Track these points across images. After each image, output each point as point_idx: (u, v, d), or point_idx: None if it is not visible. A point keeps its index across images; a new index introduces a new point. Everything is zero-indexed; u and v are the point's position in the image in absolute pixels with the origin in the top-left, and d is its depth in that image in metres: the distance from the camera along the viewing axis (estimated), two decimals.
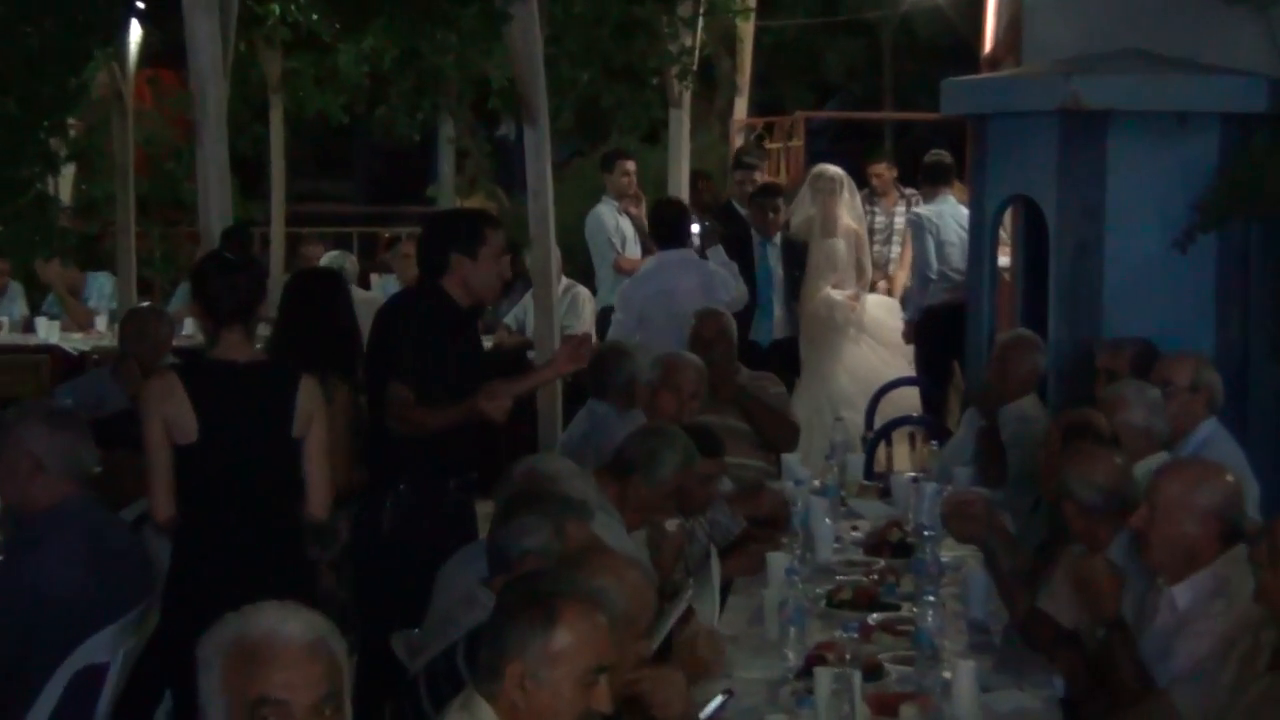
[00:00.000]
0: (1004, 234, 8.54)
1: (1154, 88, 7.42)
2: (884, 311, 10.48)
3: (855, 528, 6.29)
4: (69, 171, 11.19)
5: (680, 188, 11.71)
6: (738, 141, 13.56)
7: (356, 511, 5.68)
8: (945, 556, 5.41)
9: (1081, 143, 7.40)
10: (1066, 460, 4.85)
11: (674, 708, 3.80)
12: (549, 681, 3.21)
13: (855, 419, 8.93)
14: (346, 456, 5.93)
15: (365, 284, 12.05)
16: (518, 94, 8.66)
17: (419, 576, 4.81)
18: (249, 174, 13.05)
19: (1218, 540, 4.30)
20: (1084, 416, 5.45)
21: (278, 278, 11.12)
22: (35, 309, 11.53)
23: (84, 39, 7.47)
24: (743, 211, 10.26)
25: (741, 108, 13.91)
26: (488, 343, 8.98)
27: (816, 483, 6.48)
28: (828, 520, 5.90)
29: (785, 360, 9.66)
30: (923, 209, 10.31)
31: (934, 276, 9.88)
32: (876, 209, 11.19)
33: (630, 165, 10.92)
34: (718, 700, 4.20)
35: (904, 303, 10.46)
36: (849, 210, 10.37)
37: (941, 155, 10.45)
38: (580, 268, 10.90)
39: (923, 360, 10.07)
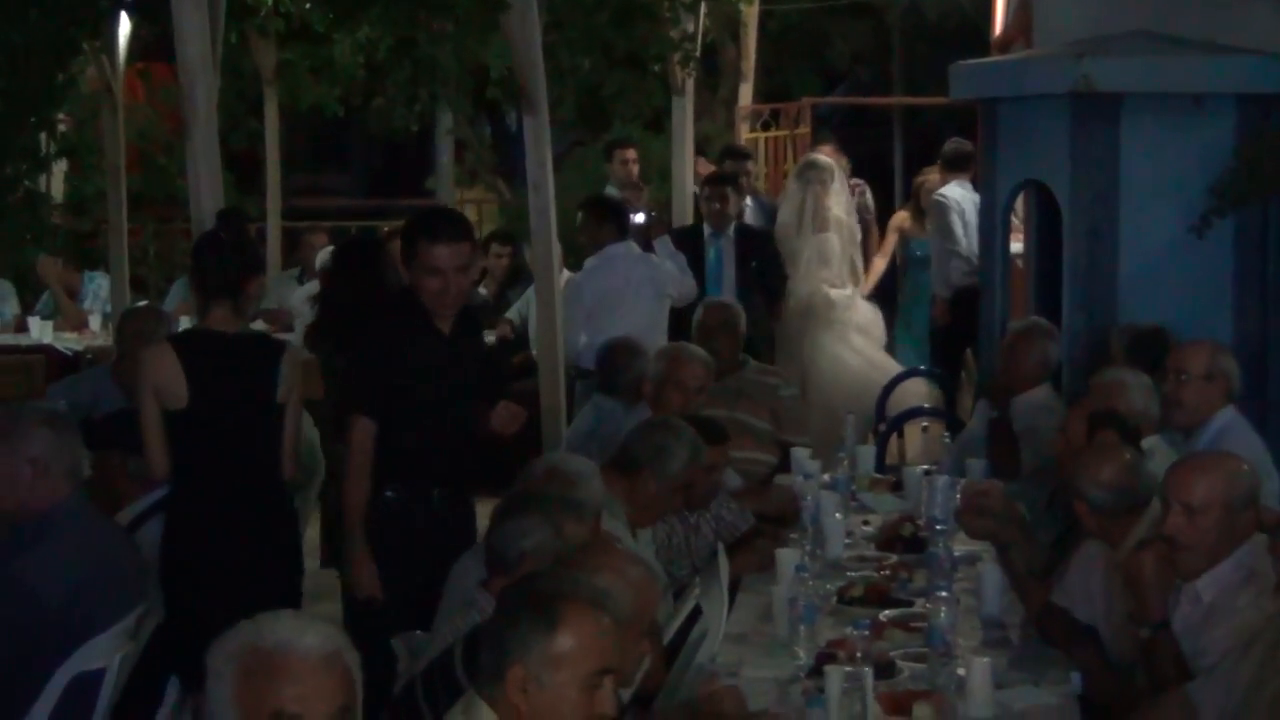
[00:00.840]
0: (1016, 219, 8.46)
1: (1168, 69, 7.39)
2: (873, 315, 10.32)
3: (866, 522, 6.23)
4: (60, 168, 11.09)
5: (684, 176, 11.58)
6: (743, 129, 13.45)
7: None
8: (958, 551, 5.36)
9: (1094, 126, 7.35)
10: (1075, 460, 4.81)
11: None
12: (551, 685, 3.17)
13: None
14: None
15: None
16: (517, 83, 8.53)
17: (407, 583, 4.95)
18: (245, 168, 12.93)
19: (1239, 531, 4.24)
20: (1109, 405, 5.34)
21: (275, 276, 11.03)
22: (28, 309, 11.43)
23: (70, 32, 7.43)
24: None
25: (746, 94, 13.79)
26: (489, 338, 8.88)
27: (826, 477, 6.40)
28: (838, 515, 5.83)
29: None
30: (946, 190, 10.29)
31: (964, 253, 9.84)
32: None
33: (630, 154, 10.84)
34: None
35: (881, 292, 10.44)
36: (839, 202, 10.19)
37: (962, 143, 10.43)
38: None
39: (938, 347, 10.12)
